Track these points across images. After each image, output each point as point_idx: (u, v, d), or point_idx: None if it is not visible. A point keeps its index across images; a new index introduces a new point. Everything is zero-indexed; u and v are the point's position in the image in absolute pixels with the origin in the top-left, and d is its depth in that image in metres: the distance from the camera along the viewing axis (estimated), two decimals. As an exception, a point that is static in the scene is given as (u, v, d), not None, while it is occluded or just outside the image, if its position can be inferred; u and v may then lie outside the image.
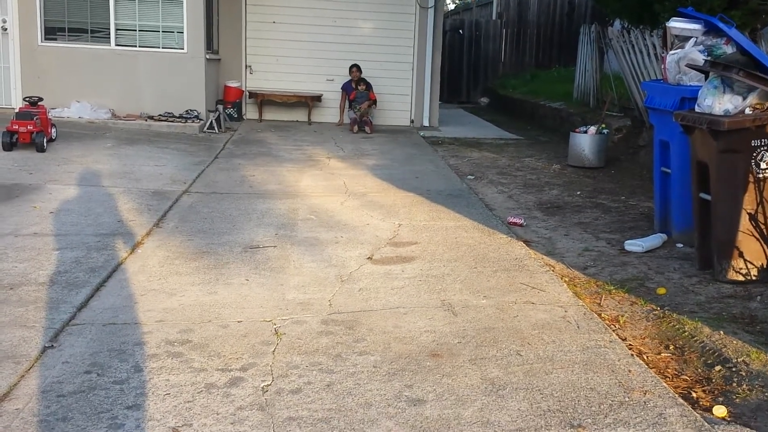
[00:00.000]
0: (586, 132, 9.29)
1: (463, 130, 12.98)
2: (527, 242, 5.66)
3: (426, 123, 13.15)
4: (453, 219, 6.28)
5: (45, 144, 8.29)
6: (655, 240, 5.60)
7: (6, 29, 10.72)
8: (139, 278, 4.41)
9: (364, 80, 12.30)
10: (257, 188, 7.23)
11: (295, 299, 4.18)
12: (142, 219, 5.75)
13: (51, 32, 10.87)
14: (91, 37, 10.90)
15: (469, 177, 8.40)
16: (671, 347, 3.78)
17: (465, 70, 19.74)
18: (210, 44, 11.91)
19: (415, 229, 5.87)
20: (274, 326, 3.77)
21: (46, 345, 3.41)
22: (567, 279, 4.79)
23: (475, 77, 19.83)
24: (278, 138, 10.87)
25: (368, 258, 5.02)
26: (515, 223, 6.23)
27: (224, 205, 6.42)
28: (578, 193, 7.70)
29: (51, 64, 10.81)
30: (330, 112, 12.99)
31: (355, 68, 12.40)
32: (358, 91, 12.23)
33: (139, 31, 10.92)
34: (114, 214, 5.84)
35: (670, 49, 5.58)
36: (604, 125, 9.51)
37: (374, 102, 12.32)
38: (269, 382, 3.14)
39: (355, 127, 11.92)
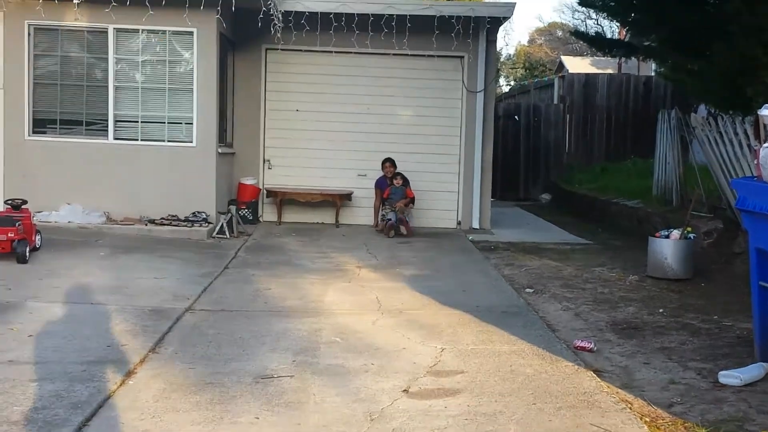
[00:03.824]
0: (668, 236, 9.24)
1: (521, 233, 13.02)
2: (598, 372, 5.56)
3: (476, 225, 13.24)
4: (507, 342, 6.22)
5: (27, 254, 8.51)
6: (755, 370, 5.47)
7: (-10, 121, 11.18)
8: (130, 416, 4.41)
9: (400, 174, 12.51)
10: (273, 305, 7.29)
11: (314, 443, 4.13)
12: (137, 343, 5.81)
13: (40, 124, 11.34)
14: (86, 129, 11.34)
15: (528, 290, 8.37)
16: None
17: (522, 162, 19.99)
18: (223, 136, 12.29)
19: (461, 354, 5.82)
20: (288, 477, 3.72)
21: (15, 498, 3.39)
22: (648, 419, 4.68)
23: (535, 170, 20.04)
24: (300, 244, 11.01)
25: (404, 390, 4.98)
26: (583, 348, 6.15)
27: (234, 325, 6.46)
28: (660, 310, 7.60)
29: (39, 160, 11.21)
30: (362, 212, 13.19)
31: (388, 163, 12.66)
32: (392, 186, 12.42)
33: (142, 122, 11.35)
34: (103, 338, 5.90)
35: (764, 142, 5.60)
36: (690, 228, 9.46)
37: (412, 200, 12.47)
38: None
39: (392, 231, 12.03)
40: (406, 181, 12.51)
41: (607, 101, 20.26)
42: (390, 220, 12.14)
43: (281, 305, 7.28)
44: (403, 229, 12.05)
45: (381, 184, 12.74)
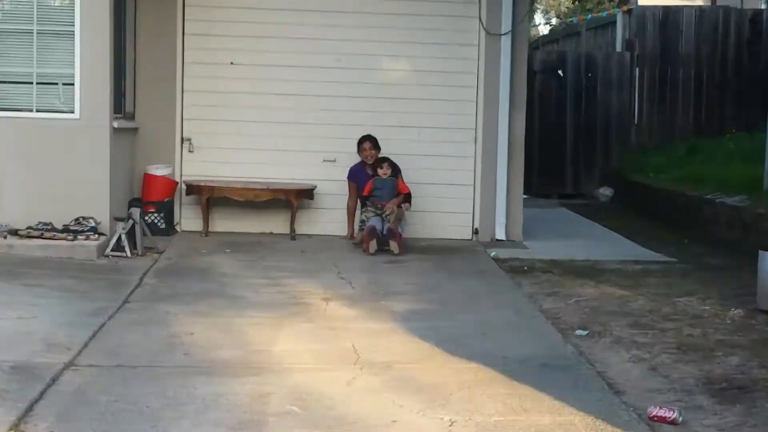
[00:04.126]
0: (787, 250, 9.28)
1: (568, 246, 13.06)
2: (685, 454, 5.59)
3: (500, 235, 13.27)
4: (549, 411, 6.22)
5: None
6: None
7: None
8: None
9: (387, 160, 12.47)
10: (199, 357, 7.26)
11: None
12: (-9, 416, 5.78)
13: None
14: None
15: (580, 332, 8.38)
16: None
17: (569, 140, 20.04)
18: (120, 104, 12.22)
19: (480, 430, 5.82)
20: None
21: None
22: None
23: (588, 153, 20.08)
24: (238, 265, 11.00)
25: (395, 486, 4.99)
26: (663, 419, 6.15)
27: (138, 388, 6.42)
28: (777, 361, 7.64)
29: None
30: (329, 216, 13.23)
31: (368, 143, 12.60)
32: (377, 178, 12.39)
33: (-3, 82, 11.34)
34: (-59, 408, 5.87)
35: None
36: (819, 237, 9.51)
37: (407, 198, 12.46)
38: None
39: (373, 241, 11.99)
40: (396, 170, 12.49)
41: (695, 48, 20.30)
42: (373, 226, 12.04)
43: (210, 358, 7.25)
44: (394, 246, 11.91)
45: (358, 175, 12.71)
